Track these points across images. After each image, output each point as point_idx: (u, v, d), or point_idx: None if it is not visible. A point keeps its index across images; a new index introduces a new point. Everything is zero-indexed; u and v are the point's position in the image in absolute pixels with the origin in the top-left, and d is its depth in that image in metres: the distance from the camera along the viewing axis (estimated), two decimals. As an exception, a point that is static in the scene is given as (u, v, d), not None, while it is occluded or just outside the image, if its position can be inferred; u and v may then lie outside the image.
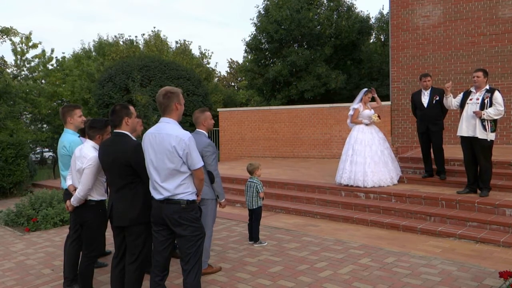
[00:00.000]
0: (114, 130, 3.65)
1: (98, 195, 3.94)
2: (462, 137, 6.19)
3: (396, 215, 6.48)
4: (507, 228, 5.45)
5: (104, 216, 3.98)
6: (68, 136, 4.43)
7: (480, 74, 6.06)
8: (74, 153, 4.05)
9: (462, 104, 6.25)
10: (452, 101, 6.47)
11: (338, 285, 4.16)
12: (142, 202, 3.54)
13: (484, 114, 5.89)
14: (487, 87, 6.08)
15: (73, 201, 3.90)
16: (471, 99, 6.14)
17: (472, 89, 6.22)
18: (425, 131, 7.11)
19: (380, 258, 4.89)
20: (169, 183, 3.26)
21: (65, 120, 4.51)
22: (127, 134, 3.62)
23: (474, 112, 5.99)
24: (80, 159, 3.86)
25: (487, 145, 5.98)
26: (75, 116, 4.48)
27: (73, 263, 4.30)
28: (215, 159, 4.45)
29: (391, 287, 4.08)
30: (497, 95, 5.93)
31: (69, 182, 4.14)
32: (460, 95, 6.40)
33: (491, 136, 5.94)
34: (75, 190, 3.96)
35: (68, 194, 4.21)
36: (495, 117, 5.90)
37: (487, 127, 5.91)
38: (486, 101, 5.93)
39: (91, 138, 4.01)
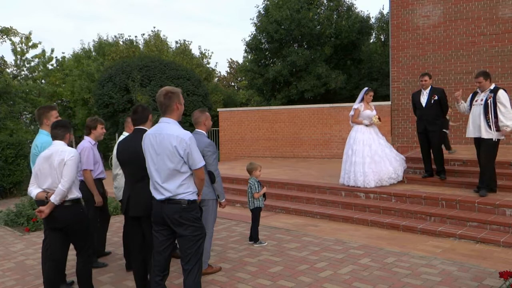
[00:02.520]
0: (136, 127, 4.00)
1: (77, 192, 3.86)
2: (473, 138, 6.27)
3: (396, 215, 6.48)
4: (507, 228, 5.45)
5: (85, 213, 4.01)
6: (42, 137, 4.35)
7: (481, 79, 6.07)
8: (41, 156, 3.83)
9: (470, 106, 6.32)
10: (465, 106, 6.47)
11: (338, 285, 4.16)
12: None
13: (504, 128, 5.88)
14: (491, 87, 6.06)
15: (56, 197, 3.68)
16: (476, 100, 6.19)
17: (479, 90, 6.26)
18: (423, 131, 7.12)
19: (380, 258, 4.89)
20: (169, 183, 3.27)
21: (41, 122, 4.43)
22: (146, 130, 3.80)
23: (502, 134, 5.94)
24: (58, 154, 3.75)
25: (491, 144, 5.99)
26: (51, 117, 4.42)
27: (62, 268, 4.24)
28: (215, 159, 4.45)
29: (391, 287, 4.08)
30: (500, 95, 5.91)
31: (35, 190, 3.83)
32: (470, 97, 6.43)
33: (496, 136, 5.94)
34: (48, 194, 3.74)
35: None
36: (510, 122, 5.86)
37: (492, 126, 5.92)
38: (489, 101, 5.94)
39: (61, 138, 3.92)
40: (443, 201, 6.32)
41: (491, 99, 5.94)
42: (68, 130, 4.01)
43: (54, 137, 3.94)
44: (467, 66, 10.45)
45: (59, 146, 3.86)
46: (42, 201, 3.80)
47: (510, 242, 5.14)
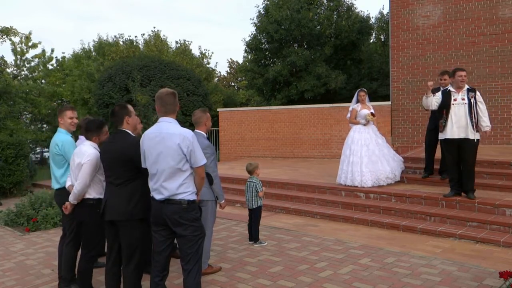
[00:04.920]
0: (116, 129, 3.75)
1: (95, 194, 3.94)
2: (450, 140, 6.03)
3: (396, 215, 6.48)
4: (507, 228, 5.45)
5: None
6: (61, 136, 4.48)
7: (465, 74, 6.00)
8: (73, 153, 4.08)
9: (446, 105, 6.06)
10: (432, 101, 6.25)
11: (338, 285, 4.16)
12: (138, 199, 3.56)
13: (487, 128, 5.94)
14: (467, 86, 6.03)
15: (71, 198, 3.91)
16: (455, 99, 6.00)
17: (451, 89, 6.09)
18: (434, 128, 7.06)
19: (380, 258, 4.89)
20: (170, 183, 3.27)
21: (58, 121, 4.60)
22: (127, 131, 3.71)
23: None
24: (79, 155, 3.91)
25: (476, 145, 5.95)
26: (65, 117, 4.53)
27: (71, 264, 4.30)
28: (213, 160, 4.45)
29: (391, 287, 4.08)
30: (479, 94, 6.00)
31: (68, 182, 4.17)
32: (439, 95, 6.22)
33: (477, 136, 5.92)
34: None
35: (58, 194, 4.30)
36: (489, 123, 6.00)
37: (474, 127, 5.87)
38: (472, 100, 5.90)
39: (88, 139, 4.09)
40: (443, 201, 6.32)
41: (473, 98, 5.90)
42: (94, 133, 4.06)
43: (86, 137, 4.12)
44: (467, 66, 10.43)
45: (84, 146, 3.98)
46: (60, 194, 4.28)
47: (510, 242, 5.14)
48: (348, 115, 7.64)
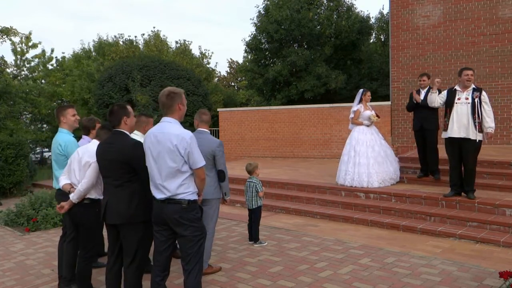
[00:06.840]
0: (113, 129, 3.70)
1: (96, 194, 3.94)
2: (451, 138, 6.02)
3: (396, 215, 6.48)
4: (507, 228, 5.45)
5: (99, 215, 3.97)
6: (63, 136, 4.43)
7: (473, 73, 5.97)
8: (77, 152, 4.04)
9: (450, 104, 6.07)
10: (436, 98, 6.28)
11: (338, 285, 4.16)
12: (138, 201, 3.53)
13: (490, 130, 5.81)
14: (473, 86, 5.98)
15: (74, 196, 3.86)
16: (459, 99, 5.99)
17: (457, 88, 6.08)
18: (419, 129, 7.13)
19: (380, 258, 4.89)
20: (170, 183, 3.26)
21: (59, 120, 4.52)
22: (125, 132, 3.66)
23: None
24: (88, 155, 3.88)
25: (477, 146, 5.89)
26: (68, 115, 4.49)
27: (72, 263, 4.29)
28: (223, 157, 4.52)
29: (391, 287, 4.08)
30: (485, 94, 5.91)
31: (64, 181, 4.07)
32: (444, 93, 6.24)
33: (479, 137, 5.85)
34: (72, 187, 3.95)
35: (61, 194, 4.17)
36: (493, 124, 5.86)
37: (477, 127, 5.81)
38: (476, 100, 5.83)
39: (99, 139, 4.04)
40: (443, 201, 6.32)
41: (478, 98, 5.84)
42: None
43: (97, 136, 4.10)
44: (467, 66, 10.43)
45: (92, 146, 3.96)
46: (64, 194, 4.05)
47: (510, 242, 5.14)
48: (352, 115, 7.61)
